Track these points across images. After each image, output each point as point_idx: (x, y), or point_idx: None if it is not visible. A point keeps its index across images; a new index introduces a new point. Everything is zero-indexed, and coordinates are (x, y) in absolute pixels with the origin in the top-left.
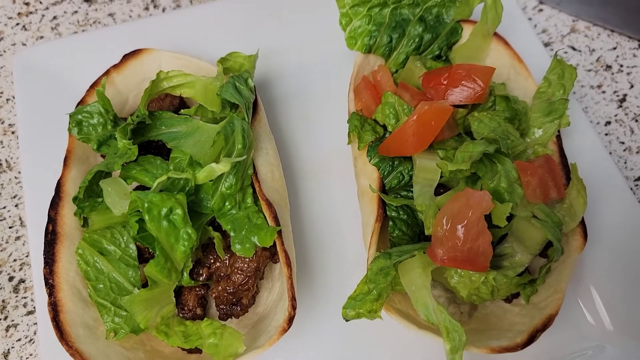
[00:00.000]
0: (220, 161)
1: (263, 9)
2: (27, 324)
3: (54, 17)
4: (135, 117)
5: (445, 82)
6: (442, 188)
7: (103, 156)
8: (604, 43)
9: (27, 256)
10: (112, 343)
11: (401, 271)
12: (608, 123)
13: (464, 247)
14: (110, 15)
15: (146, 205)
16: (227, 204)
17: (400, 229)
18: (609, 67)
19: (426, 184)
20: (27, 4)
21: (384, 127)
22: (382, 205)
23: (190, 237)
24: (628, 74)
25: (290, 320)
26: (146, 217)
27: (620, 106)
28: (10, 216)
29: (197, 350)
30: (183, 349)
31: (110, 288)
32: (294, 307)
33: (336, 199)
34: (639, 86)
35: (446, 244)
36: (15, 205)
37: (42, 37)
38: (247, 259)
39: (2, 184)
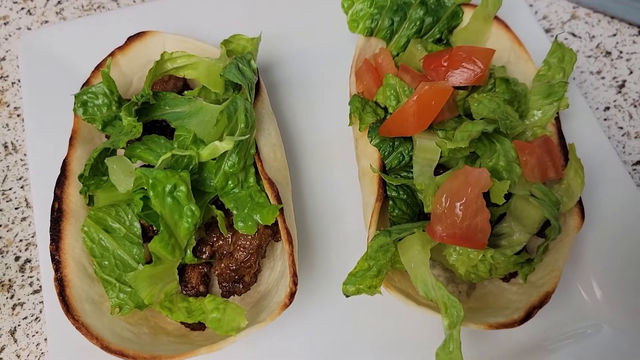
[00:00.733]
0: (223, 139)
1: None
2: (33, 303)
3: (59, 2)
4: (140, 97)
5: (445, 64)
6: (441, 169)
7: (108, 137)
8: (604, 30)
9: (32, 237)
10: (117, 318)
11: (401, 249)
12: (607, 108)
13: (462, 224)
14: (114, 0)
15: (150, 181)
16: (229, 182)
17: (400, 208)
18: (608, 53)
19: (426, 163)
20: None
21: (385, 109)
22: (383, 185)
23: (194, 214)
24: (627, 60)
25: (292, 295)
26: (150, 194)
27: (619, 92)
28: (16, 197)
29: (200, 327)
30: (186, 326)
31: (115, 265)
32: (295, 283)
33: (337, 180)
34: (638, 72)
35: (445, 221)
36: (21, 187)
37: (46, 22)
38: (250, 237)
39: (7, 166)
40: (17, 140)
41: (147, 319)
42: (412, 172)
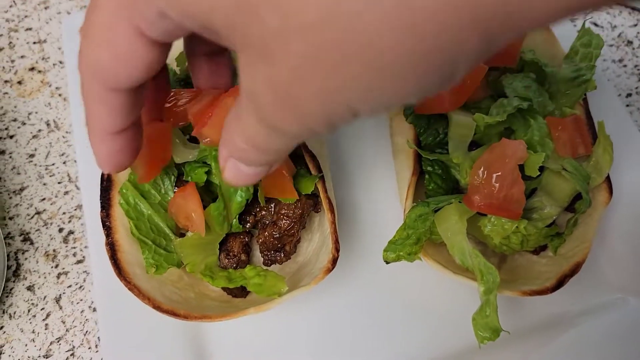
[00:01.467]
0: None
1: None
2: (77, 272)
3: None
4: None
5: None
6: (474, 145)
7: None
8: (625, 20)
9: (75, 209)
10: (164, 283)
11: (437, 220)
12: (629, 95)
13: (499, 195)
14: None
15: (214, 153)
16: None
17: (436, 182)
18: (630, 42)
19: (461, 139)
20: None
21: None
22: (418, 161)
23: (248, 190)
24: None
25: (335, 260)
26: (212, 165)
27: None
28: (59, 172)
29: (242, 294)
30: (228, 293)
31: (150, 228)
32: (337, 250)
33: (369, 158)
34: None
35: (482, 191)
36: (64, 163)
37: (85, 7)
38: (292, 206)
39: (50, 143)
40: (59, 119)
41: (192, 285)
42: (445, 150)
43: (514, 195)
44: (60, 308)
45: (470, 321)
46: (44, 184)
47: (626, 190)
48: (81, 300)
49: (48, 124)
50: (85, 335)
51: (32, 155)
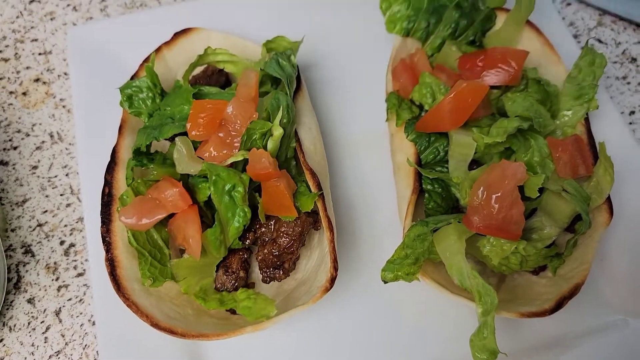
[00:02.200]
0: (272, 128)
1: None
2: (77, 285)
3: None
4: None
5: (481, 64)
6: (474, 164)
7: None
8: (630, 37)
9: (77, 222)
10: (163, 299)
11: (436, 239)
12: (632, 112)
13: (498, 216)
14: None
15: (214, 178)
16: None
17: (435, 201)
18: (634, 59)
19: (461, 158)
20: None
21: (420, 107)
22: (418, 179)
23: (245, 215)
24: None
25: (333, 280)
26: (211, 189)
27: None
28: (61, 184)
29: None
30: (227, 310)
31: (147, 240)
32: (336, 269)
33: (370, 175)
34: None
35: (482, 212)
36: (66, 175)
37: (91, 18)
38: (292, 223)
39: (53, 154)
40: (62, 130)
41: (190, 301)
42: (446, 168)
43: (513, 216)
44: (60, 321)
45: (468, 342)
46: (46, 196)
47: (627, 211)
48: (81, 313)
49: (52, 136)
50: (84, 349)
51: (35, 167)
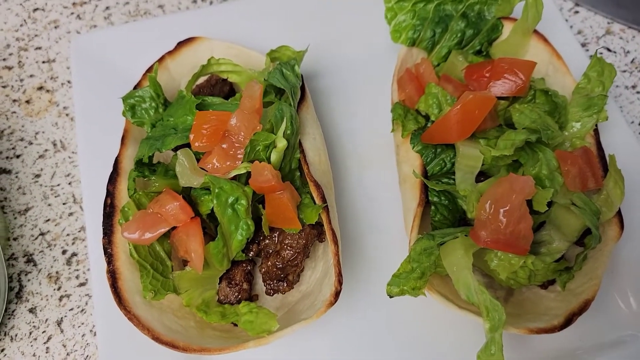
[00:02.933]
0: (276, 140)
1: (310, 2)
2: (79, 295)
3: (107, 8)
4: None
5: (487, 75)
6: (482, 176)
7: None
8: (639, 45)
9: (79, 231)
10: (165, 311)
11: (443, 253)
12: None
13: (506, 230)
14: (160, 7)
15: (217, 191)
16: None
17: (442, 213)
18: None
19: (468, 170)
20: None
21: (426, 117)
22: (424, 191)
23: (249, 228)
24: None
25: (337, 294)
26: (214, 202)
27: None
28: (64, 193)
29: None
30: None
31: (148, 252)
32: (340, 282)
33: (375, 185)
34: None
35: (489, 226)
36: (69, 183)
37: (95, 26)
38: (296, 236)
39: (56, 163)
40: (65, 139)
41: (192, 313)
42: (453, 179)
43: (522, 230)
44: (62, 331)
45: (475, 358)
46: (49, 205)
47: (638, 225)
48: (82, 324)
49: (54, 144)
50: (85, 359)
51: (37, 176)
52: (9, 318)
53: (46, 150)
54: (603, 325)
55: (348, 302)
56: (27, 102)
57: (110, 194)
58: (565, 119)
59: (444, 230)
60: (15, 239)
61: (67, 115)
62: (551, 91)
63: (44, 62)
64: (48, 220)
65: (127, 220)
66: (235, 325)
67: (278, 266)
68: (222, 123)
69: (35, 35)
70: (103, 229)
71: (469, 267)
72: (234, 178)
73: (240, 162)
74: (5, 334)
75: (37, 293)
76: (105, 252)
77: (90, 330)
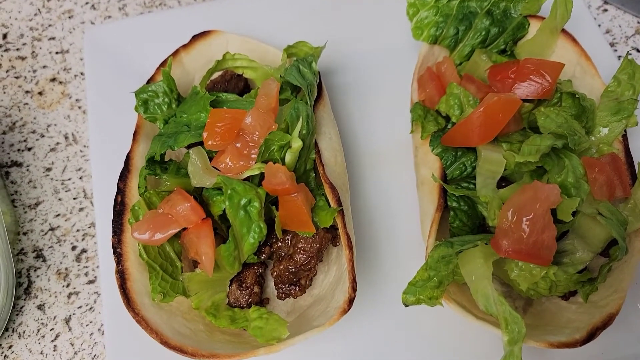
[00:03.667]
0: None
1: None
2: (88, 293)
3: None
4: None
5: (512, 76)
6: (503, 181)
7: None
8: None
9: (89, 227)
10: (174, 313)
11: (462, 261)
12: None
13: (529, 240)
14: None
15: (229, 192)
16: None
17: (461, 219)
18: None
19: (489, 175)
20: None
21: (446, 118)
22: (443, 195)
23: (261, 231)
24: None
25: (351, 302)
26: (226, 203)
27: None
28: (74, 188)
29: None
30: None
31: (158, 253)
32: (354, 290)
33: (393, 188)
34: None
35: (511, 236)
36: (80, 178)
37: (109, 17)
38: (310, 239)
39: (68, 157)
40: (77, 132)
41: (202, 316)
42: (472, 183)
43: (545, 240)
44: (70, 329)
45: None
46: (59, 199)
47: None
48: (91, 322)
49: (66, 137)
50: (93, 359)
51: (48, 169)
52: (17, 314)
53: (58, 143)
54: (627, 340)
55: (361, 308)
56: (40, 93)
57: (121, 191)
58: (592, 124)
59: (463, 237)
60: (25, 234)
61: (79, 107)
62: (579, 94)
63: (57, 52)
64: (58, 215)
65: (137, 219)
66: (246, 329)
67: (291, 270)
68: (236, 121)
69: (49, 25)
70: (113, 227)
71: (488, 277)
72: (247, 179)
73: (254, 161)
74: (13, 331)
75: (45, 289)
76: (115, 252)
77: (99, 329)
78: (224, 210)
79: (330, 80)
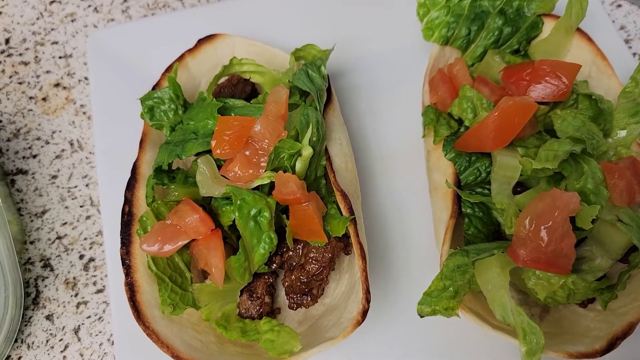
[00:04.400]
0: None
1: None
2: (97, 302)
3: (125, 0)
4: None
5: (527, 78)
6: (518, 186)
7: None
8: None
9: (97, 235)
10: (185, 325)
11: (477, 270)
12: None
13: (547, 249)
14: None
15: (239, 202)
16: None
17: (476, 226)
18: None
19: (505, 181)
20: None
21: (459, 122)
22: (457, 201)
23: (272, 242)
24: None
25: (365, 313)
26: (236, 214)
27: None
28: (81, 195)
29: None
30: None
31: (167, 264)
32: (368, 301)
33: (404, 193)
34: None
35: (529, 244)
36: (86, 185)
37: (112, 20)
38: (322, 249)
39: (73, 164)
40: (82, 138)
41: (212, 328)
42: (487, 189)
43: (564, 249)
44: (79, 340)
45: None
46: (66, 207)
47: None
48: (100, 332)
49: (72, 144)
50: None
51: (54, 177)
52: (26, 325)
53: (63, 150)
54: None
55: (374, 318)
56: (44, 99)
57: (129, 201)
58: (610, 126)
59: (479, 245)
60: (32, 243)
61: (84, 113)
62: (595, 95)
63: (60, 57)
64: (65, 223)
65: (146, 230)
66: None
67: (302, 280)
68: (245, 129)
69: (52, 29)
70: (121, 238)
71: (505, 286)
72: (257, 188)
73: (263, 170)
74: (22, 342)
75: (54, 299)
76: (124, 263)
77: (108, 339)
78: (234, 220)
79: (338, 81)
